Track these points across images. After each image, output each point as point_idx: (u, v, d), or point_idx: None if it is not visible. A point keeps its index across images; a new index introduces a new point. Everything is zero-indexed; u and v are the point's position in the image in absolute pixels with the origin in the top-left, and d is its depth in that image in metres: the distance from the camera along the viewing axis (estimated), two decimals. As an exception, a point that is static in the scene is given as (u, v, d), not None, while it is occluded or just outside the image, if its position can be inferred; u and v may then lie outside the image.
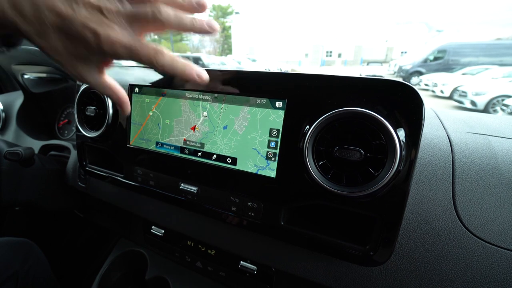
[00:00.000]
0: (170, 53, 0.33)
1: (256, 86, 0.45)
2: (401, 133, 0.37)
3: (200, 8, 0.35)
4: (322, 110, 0.40)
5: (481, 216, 0.41)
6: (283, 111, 0.44)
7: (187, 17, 0.34)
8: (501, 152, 0.45)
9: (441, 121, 0.57)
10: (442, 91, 7.33)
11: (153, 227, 0.73)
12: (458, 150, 0.47)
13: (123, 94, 0.41)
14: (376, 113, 0.36)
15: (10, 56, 0.43)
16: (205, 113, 0.50)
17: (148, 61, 0.33)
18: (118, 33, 0.31)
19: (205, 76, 0.36)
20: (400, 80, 0.37)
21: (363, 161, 0.38)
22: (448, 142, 0.49)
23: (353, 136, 0.39)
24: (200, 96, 0.50)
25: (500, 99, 5.39)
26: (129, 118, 0.59)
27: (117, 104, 0.41)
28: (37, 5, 0.29)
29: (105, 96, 0.61)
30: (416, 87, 0.36)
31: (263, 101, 0.45)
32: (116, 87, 0.39)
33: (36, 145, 0.99)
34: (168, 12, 0.32)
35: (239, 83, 0.47)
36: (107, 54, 0.32)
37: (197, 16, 0.35)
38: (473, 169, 0.44)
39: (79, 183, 0.83)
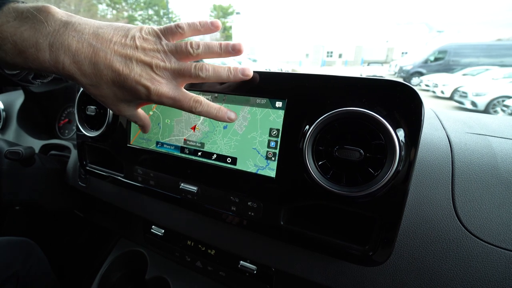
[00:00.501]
0: (206, 101, 0.39)
1: (256, 86, 0.46)
2: (401, 133, 0.37)
3: (236, 52, 0.39)
4: (322, 110, 0.40)
5: (480, 216, 0.41)
6: (283, 111, 0.44)
7: (224, 70, 0.39)
8: (500, 153, 0.45)
9: (440, 121, 0.57)
10: (442, 92, 7.32)
11: (153, 226, 0.73)
12: (458, 150, 0.47)
13: (148, 121, 0.46)
14: (376, 113, 0.36)
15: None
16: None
17: (188, 110, 0.38)
18: (165, 87, 0.36)
19: (234, 116, 0.42)
20: (400, 80, 0.37)
21: (362, 161, 0.38)
22: (448, 142, 0.49)
23: (353, 136, 0.39)
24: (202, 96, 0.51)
25: (500, 99, 5.38)
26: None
27: (140, 127, 0.47)
28: (96, 64, 0.33)
29: None
30: (416, 88, 0.36)
31: (263, 101, 0.45)
32: (144, 116, 0.45)
33: (36, 144, 0.99)
34: (208, 69, 0.37)
35: (239, 82, 0.47)
36: (154, 102, 0.37)
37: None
38: (473, 169, 0.44)
39: (80, 182, 0.83)
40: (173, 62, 0.36)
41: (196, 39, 0.40)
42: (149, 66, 0.35)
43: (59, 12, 0.32)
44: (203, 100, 0.39)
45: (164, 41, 0.36)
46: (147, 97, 0.36)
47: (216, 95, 0.49)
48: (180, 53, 0.36)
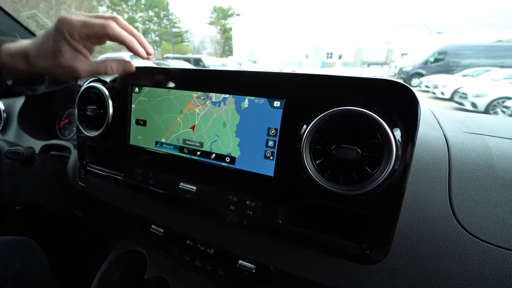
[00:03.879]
0: (119, 25, 0.45)
1: (255, 86, 0.46)
2: (397, 132, 0.37)
3: (144, 47, 0.48)
4: (320, 109, 0.40)
5: (477, 214, 0.42)
6: (281, 111, 0.44)
7: (130, 37, 0.45)
8: (497, 152, 0.46)
9: (438, 121, 0.58)
10: (442, 93, 7.31)
11: (152, 226, 0.73)
12: (455, 149, 0.47)
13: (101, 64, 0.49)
14: (373, 112, 0.37)
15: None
16: (204, 113, 0.51)
17: (100, 27, 0.43)
18: (74, 15, 0.42)
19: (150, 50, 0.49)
20: (396, 79, 0.37)
21: (359, 160, 0.38)
22: (445, 142, 0.49)
23: (350, 135, 0.39)
24: (200, 96, 0.51)
25: (500, 101, 5.38)
26: (129, 117, 0.60)
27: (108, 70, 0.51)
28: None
29: (106, 96, 0.61)
30: (416, 89, 0.37)
31: (262, 100, 0.46)
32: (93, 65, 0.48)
33: (37, 145, 1.00)
34: (115, 25, 0.43)
35: (238, 82, 0.48)
36: (68, 31, 0.42)
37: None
38: (469, 168, 0.44)
39: (79, 182, 0.84)
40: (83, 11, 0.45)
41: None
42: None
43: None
44: (116, 24, 0.44)
45: None
46: (60, 29, 0.41)
47: (214, 94, 0.50)
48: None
